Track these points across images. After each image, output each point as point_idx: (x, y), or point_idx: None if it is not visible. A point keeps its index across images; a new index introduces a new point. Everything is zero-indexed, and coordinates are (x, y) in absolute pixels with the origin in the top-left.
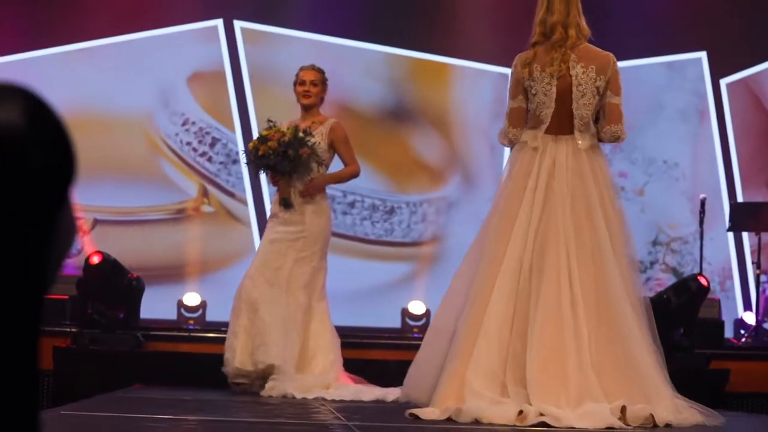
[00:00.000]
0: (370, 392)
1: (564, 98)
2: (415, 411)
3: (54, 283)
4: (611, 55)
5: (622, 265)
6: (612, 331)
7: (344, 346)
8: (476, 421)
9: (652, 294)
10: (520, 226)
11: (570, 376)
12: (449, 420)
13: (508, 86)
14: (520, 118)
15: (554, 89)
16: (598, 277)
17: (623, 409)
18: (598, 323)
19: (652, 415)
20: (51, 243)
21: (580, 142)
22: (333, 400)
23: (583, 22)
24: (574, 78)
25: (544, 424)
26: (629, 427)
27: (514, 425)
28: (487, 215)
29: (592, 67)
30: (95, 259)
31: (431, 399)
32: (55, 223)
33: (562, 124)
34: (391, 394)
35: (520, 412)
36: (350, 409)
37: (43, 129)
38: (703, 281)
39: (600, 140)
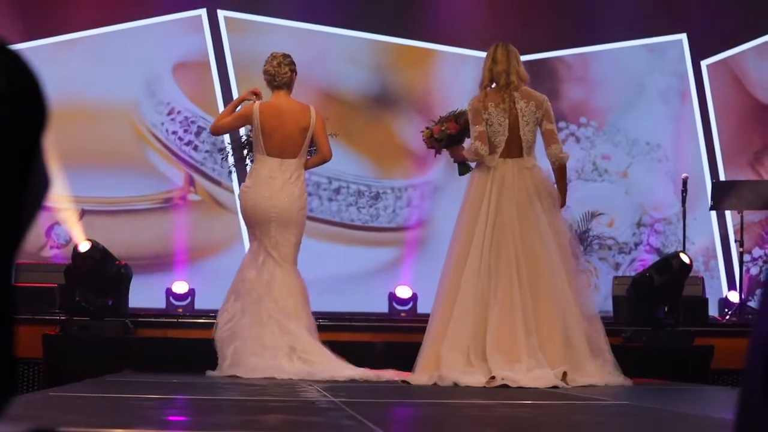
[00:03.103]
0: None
1: (513, 127)
2: (406, 378)
3: (28, 230)
4: (544, 96)
5: (565, 259)
6: (553, 315)
7: (331, 329)
8: (455, 385)
9: (634, 274)
10: (478, 234)
11: (521, 352)
12: (434, 385)
13: (470, 119)
14: (485, 138)
15: (507, 121)
16: (542, 272)
17: (564, 374)
18: (543, 309)
19: (565, 373)
20: (25, 190)
21: (528, 161)
22: (318, 380)
23: (522, 70)
24: (519, 111)
25: (505, 386)
26: (568, 386)
27: (485, 386)
28: (455, 224)
29: (532, 103)
30: (84, 247)
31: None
32: (28, 170)
33: (512, 149)
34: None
35: (492, 378)
36: (336, 387)
37: (16, 80)
38: (685, 258)
39: (552, 164)
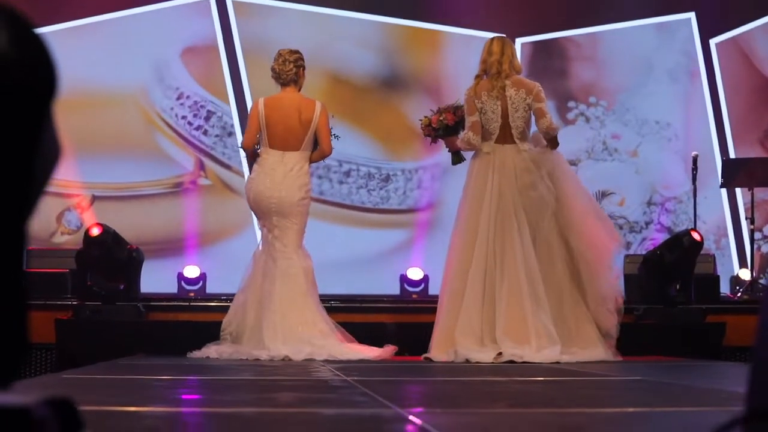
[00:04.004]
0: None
1: (505, 114)
2: (428, 355)
3: (40, 198)
4: (536, 83)
5: (573, 234)
6: (554, 296)
7: (343, 310)
8: (467, 361)
9: (645, 252)
10: (483, 218)
11: (530, 333)
12: (449, 362)
13: (465, 109)
14: (478, 128)
15: (499, 108)
16: (541, 254)
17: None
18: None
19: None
20: (35, 158)
21: (521, 146)
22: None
23: (516, 61)
24: (509, 98)
25: (511, 361)
26: (573, 361)
27: (493, 362)
28: (458, 208)
29: (522, 90)
30: (95, 231)
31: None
32: (39, 136)
33: (507, 135)
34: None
35: (499, 354)
36: (349, 367)
37: (26, 47)
38: (695, 236)
39: (544, 137)
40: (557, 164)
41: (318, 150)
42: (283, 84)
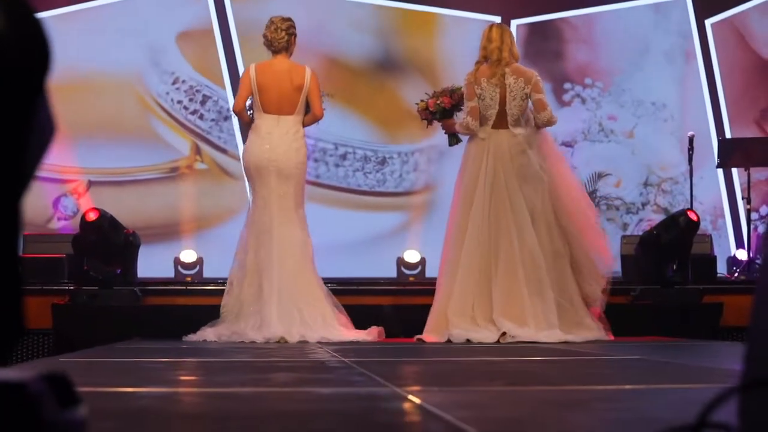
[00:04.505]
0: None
1: (503, 101)
2: (421, 336)
3: (35, 173)
4: (534, 72)
5: (563, 216)
6: (555, 274)
7: (340, 293)
8: (467, 341)
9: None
10: (477, 201)
11: (527, 316)
12: (448, 342)
13: (464, 94)
14: (477, 113)
15: (498, 95)
16: (541, 233)
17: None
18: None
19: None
20: (29, 133)
21: (514, 131)
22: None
23: (515, 48)
24: (508, 86)
25: (517, 342)
26: (576, 342)
27: (498, 342)
28: (454, 192)
29: (521, 79)
30: (92, 216)
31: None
32: (32, 112)
33: (502, 120)
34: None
35: (503, 334)
36: (346, 349)
37: (18, 23)
38: (692, 216)
39: (539, 128)
40: (544, 140)
41: (310, 114)
42: (275, 51)
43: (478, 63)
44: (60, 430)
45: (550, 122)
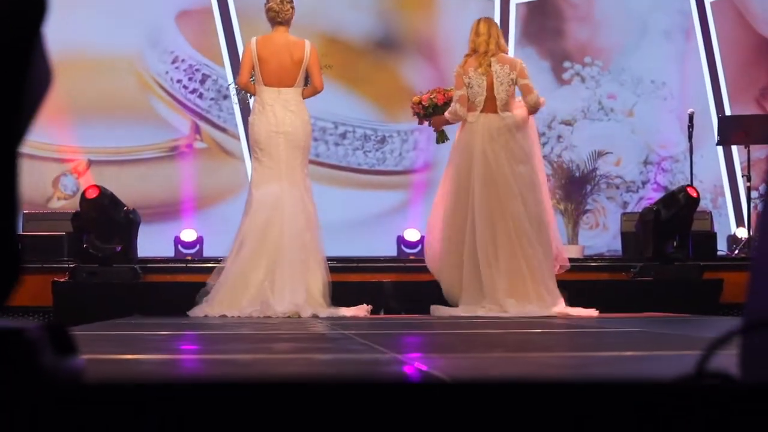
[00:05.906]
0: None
1: (491, 88)
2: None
3: (31, 123)
4: (519, 59)
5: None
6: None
7: (340, 271)
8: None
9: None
10: (469, 183)
11: (530, 294)
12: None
13: (454, 83)
14: (465, 100)
15: (485, 83)
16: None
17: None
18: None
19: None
20: (25, 81)
21: (502, 115)
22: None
23: (502, 41)
24: (495, 73)
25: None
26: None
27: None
28: (444, 173)
29: (507, 66)
30: (92, 193)
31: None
32: (27, 61)
33: (491, 105)
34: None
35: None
36: (347, 323)
37: None
38: (691, 192)
39: (530, 112)
40: (531, 128)
41: (310, 86)
42: (280, 23)
43: (467, 56)
44: (58, 376)
45: (537, 104)
